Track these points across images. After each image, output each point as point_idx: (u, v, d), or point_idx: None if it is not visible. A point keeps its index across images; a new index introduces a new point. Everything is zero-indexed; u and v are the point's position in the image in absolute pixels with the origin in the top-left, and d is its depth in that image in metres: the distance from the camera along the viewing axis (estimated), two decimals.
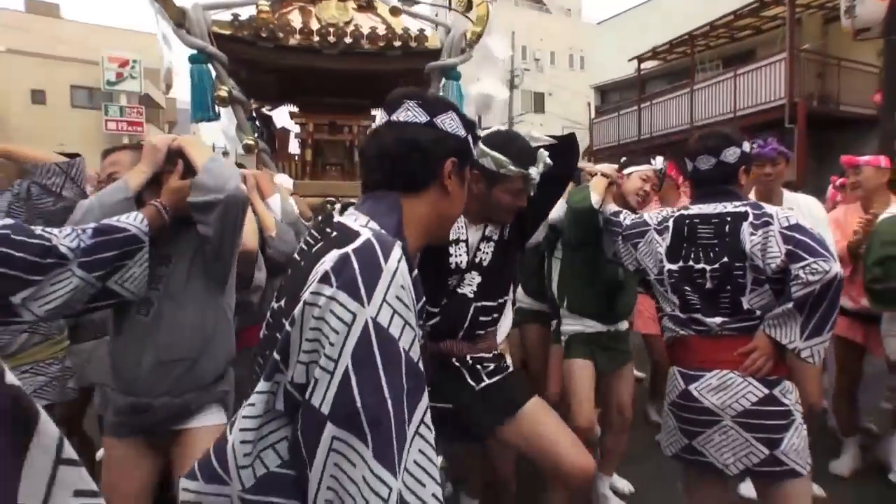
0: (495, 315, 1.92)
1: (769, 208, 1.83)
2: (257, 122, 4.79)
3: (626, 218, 2.22)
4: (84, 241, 1.26)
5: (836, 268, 1.67)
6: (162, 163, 1.60)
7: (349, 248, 0.85)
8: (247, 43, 3.90)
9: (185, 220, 1.56)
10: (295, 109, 4.72)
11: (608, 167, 2.57)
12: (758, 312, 1.79)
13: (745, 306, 1.79)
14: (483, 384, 1.84)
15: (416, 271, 0.98)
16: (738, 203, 1.87)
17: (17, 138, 25.34)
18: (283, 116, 4.83)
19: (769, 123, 11.68)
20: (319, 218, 1.12)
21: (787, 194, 3.17)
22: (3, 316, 1.12)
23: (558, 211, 2.57)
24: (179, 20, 3.69)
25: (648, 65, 16.23)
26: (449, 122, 1.06)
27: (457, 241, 1.84)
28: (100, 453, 2.52)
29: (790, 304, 1.70)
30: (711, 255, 1.85)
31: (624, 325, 2.79)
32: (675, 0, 16.06)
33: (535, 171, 1.75)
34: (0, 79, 23.25)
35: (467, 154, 1.11)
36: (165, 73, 4.13)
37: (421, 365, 0.86)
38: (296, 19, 4.13)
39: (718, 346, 1.82)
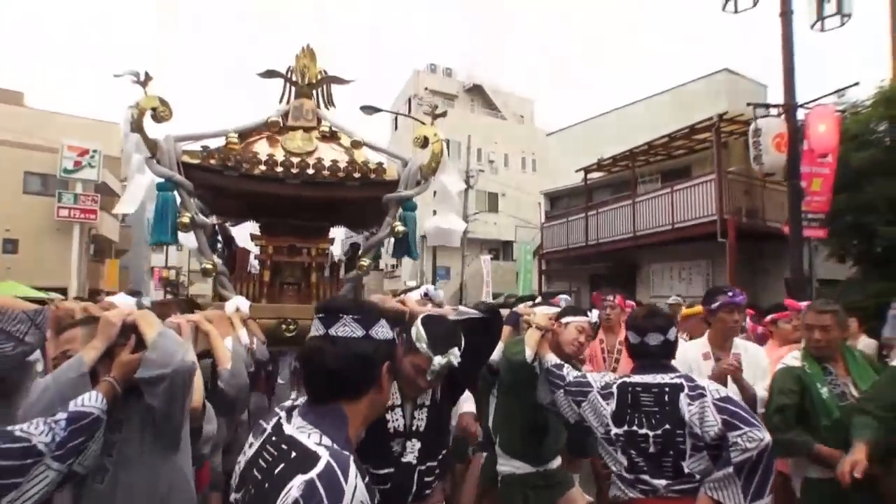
0: (438, 472, 2.05)
1: (700, 381, 2.09)
2: (219, 238, 4.96)
3: (569, 374, 2.42)
4: (58, 433, 1.35)
5: (768, 436, 1.90)
6: (115, 336, 1.70)
7: (313, 474, 0.99)
8: (214, 171, 4.11)
9: (134, 387, 1.66)
10: (257, 227, 4.91)
11: (544, 318, 2.79)
12: (697, 476, 1.98)
13: (686, 470, 1.98)
14: None
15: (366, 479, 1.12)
16: (673, 375, 2.12)
17: None
18: (244, 236, 4.99)
19: (704, 237, 12.56)
20: (270, 429, 1.23)
21: (738, 340, 3.47)
22: None
23: (496, 354, 2.77)
24: (152, 150, 3.91)
25: (595, 175, 17.31)
26: (381, 331, 1.25)
27: (392, 407, 2.00)
28: None
29: (730, 469, 1.89)
30: (653, 421, 2.05)
31: (555, 463, 2.94)
32: (621, 117, 17.50)
33: (437, 361, 1.91)
34: None
35: (395, 351, 1.30)
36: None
37: None
38: (262, 149, 4.40)
39: None
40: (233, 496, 1.16)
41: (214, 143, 4.47)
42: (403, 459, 1.96)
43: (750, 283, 12.41)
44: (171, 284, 36.21)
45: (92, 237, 28.67)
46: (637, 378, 2.18)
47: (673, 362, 3.20)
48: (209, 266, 4.12)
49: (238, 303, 3.94)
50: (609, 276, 16.80)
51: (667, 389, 2.08)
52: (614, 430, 2.13)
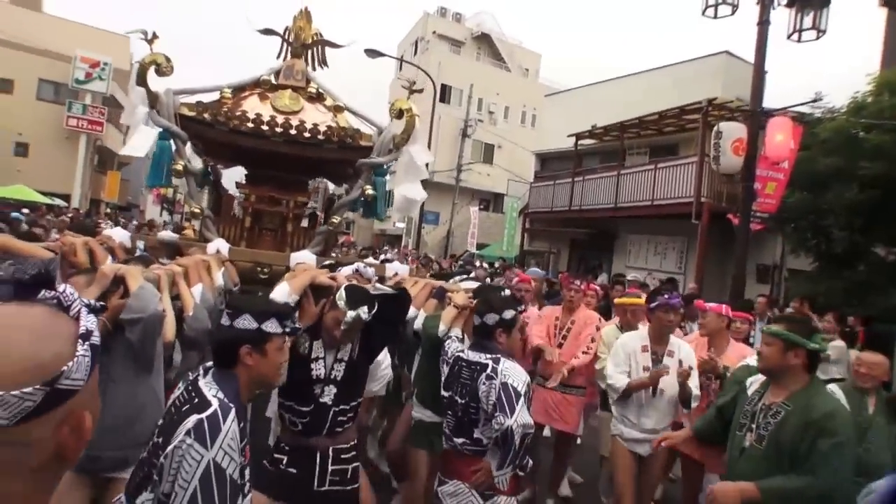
0: (350, 415, 2.65)
1: (502, 365, 2.53)
2: (211, 177, 5.45)
3: (449, 348, 2.90)
4: None
5: (509, 423, 2.37)
6: (108, 285, 2.27)
7: (203, 415, 1.58)
8: (207, 124, 4.57)
9: (119, 325, 2.24)
10: (243, 176, 5.40)
11: (464, 297, 3.32)
12: (485, 441, 2.54)
13: (475, 435, 2.55)
14: (321, 489, 2.53)
15: (245, 423, 1.69)
16: (487, 356, 2.58)
17: None
18: (231, 183, 5.48)
19: (680, 216, 13.04)
20: (191, 378, 1.79)
21: (673, 339, 3.78)
22: None
23: (419, 322, 3.37)
24: (153, 102, 4.37)
25: (586, 142, 17.63)
26: (243, 322, 1.79)
27: (315, 359, 2.57)
28: None
29: (491, 443, 2.51)
30: (463, 391, 2.59)
31: None
32: (618, 87, 17.67)
33: (350, 314, 2.47)
34: None
35: (257, 339, 1.80)
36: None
37: (241, 480, 1.58)
38: (253, 105, 4.85)
39: (460, 462, 2.58)
40: (155, 438, 1.74)
41: (210, 97, 4.92)
42: (321, 400, 2.54)
43: (721, 264, 12.95)
44: (168, 202, 36.51)
45: (97, 148, 28.89)
46: (466, 353, 2.64)
47: (616, 347, 3.74)
48: (196, 210, 4.65)
49: (219, 245, 4.48)
50: (588, 242, 17.41)
51: (477, 367, 2.52)
52: (444, 393, 2.71)
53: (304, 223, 5.46)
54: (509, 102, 31.75)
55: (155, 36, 4.30)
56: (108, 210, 29.33)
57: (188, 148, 5.12)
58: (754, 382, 2.73)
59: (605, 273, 15.85)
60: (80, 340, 0.80)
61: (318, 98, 5.20)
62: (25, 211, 13.86)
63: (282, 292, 2.56)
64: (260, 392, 1.96)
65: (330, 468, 2.55)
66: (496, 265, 18.76)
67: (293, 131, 4.63)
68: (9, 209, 13.38)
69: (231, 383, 1.73)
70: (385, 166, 4.86)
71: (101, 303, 1.90)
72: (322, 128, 4.71)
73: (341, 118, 5.11)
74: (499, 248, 22.55)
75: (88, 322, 0.83)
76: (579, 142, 17.29)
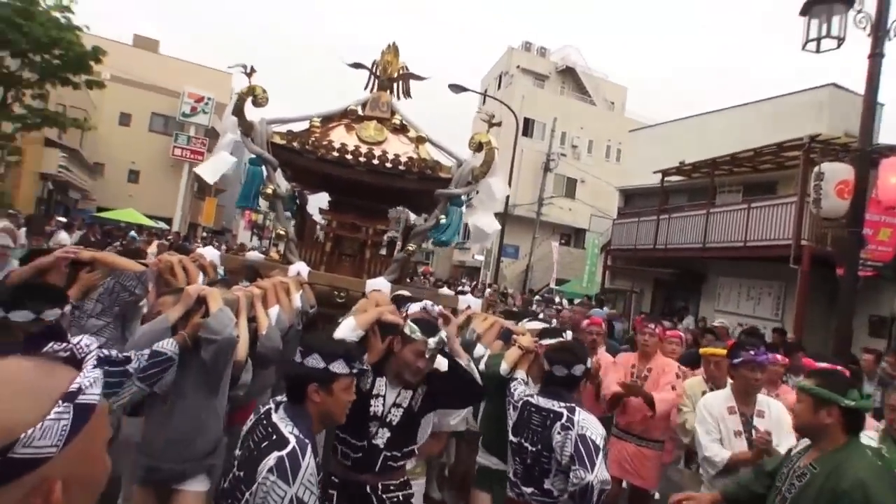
0: (402, 462, 2.60)
1: (579, 415, 2.42)
2: (297, 201, 5.70)
3: (516, 390, 2.80)
4: (142, 362, 2.08)
5: (590, 478, 2.26)
6: (192, 304, 2.39)
7: (284, 453, 1.63)
8: (296, 152, 4.80)
9: (196, 342, 2.34)
10: (326, 202, 5.62)
11: (529, 340, 3.19)
12: (555, 493, 2.43)
13: (546, 486, 2.44)
14: None
15: (318, 457, 1.73)
16: (562, 404, 2.48)
17: (104, 152, 28.52)
18: (315, 208, 5.70)
19: (776, 259, 12.22)
20: (263, 413, 1.86)
21: (760, 397, 3.42)
22: None
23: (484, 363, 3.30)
24: (248, 131, 4.65)
25: (673, 178, 17.04)
26: (311, 361, 1.84)
27: (377, 395, 2.54)
28: None
29: (566, 496, 2.37)
30: (535, 438, 2.48)
31: None
32: (709, 121, 17.04)
33: (431, 342, 2.46)
34: (100, 102, 26.87)
35: (325, 378, 1.85)
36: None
37: None
38: (339, 135, 5.05)
39: None
40: (237, 451, 1.81)
41: (300, 126, 5.18)
42: (373, 441, 2.50)
43: (826, 315, 11.92)
44: (258, 227, 38.64)
45: (197, 176, 31.33)
46: (536, 399, 2.57)
47: (701, 411, 3.31)
48: (282, 232, 4.85)
49: (300, 268, 4.64)
50: (674, 283, 16.65)
51: (551, 415, 2.45)
52: (511, 438, 2.61)
53: (383, 250, 5.57)
54: (593, 136, 31.41)
55: (253, 70, 4.59)
56: (205, 234, 31.44)
57: (278, 174, 5.43)
58: (803, 442, 2.45)
59: (691, 316, 15.07)
60: (61, 401, 0.71)
61: (401, 129, 5.34)
62: (133, 233, 15.10)
63: (348, 327, 2.59)
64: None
65: (383, 496, 2.52)
66: (575, 302, 18.36)
67: (375, 161, 4.77)
68: (121, 230, 14.67)
69: (304, 419, 1.79)
70: (462, 197, 4.89)
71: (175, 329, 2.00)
72: (403, 158, 4.82)
73: (423, 150, 5.22)
74: (579, 285, 22.05)
75: (87, 378, 0.75)
76: (666, 178, 16.74)
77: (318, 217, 5.54)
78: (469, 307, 4.95)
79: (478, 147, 4.94)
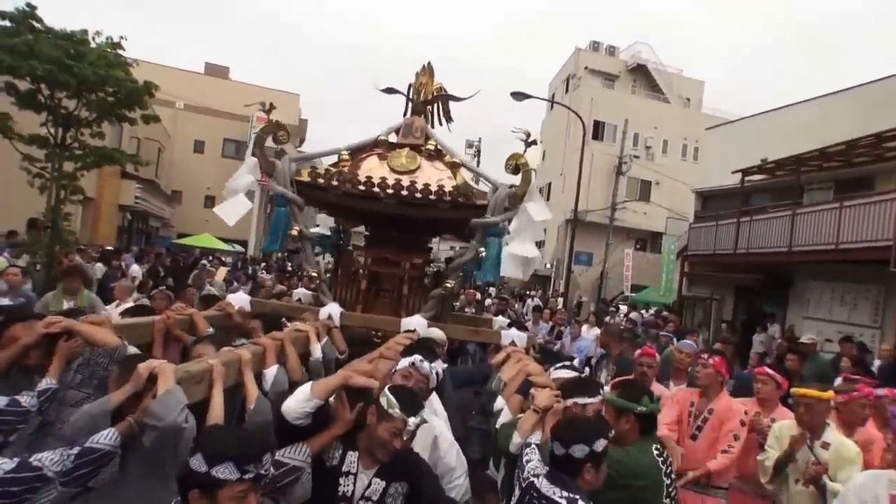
0: None
1: None
2: (342, 235, 5.53)
3: (529, 462, 2.36)
4: (67, 465, 1.81)
5: None
6: (142, 385, 2.11)
7: None
8: (321, 189, 4.61)
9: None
10: (362, 237, 5.41)
11: (548, 396, 2.70)
12: None
13: None
14: None
15: None
16: (566, 496, 2.04)
17: (180, 180, 30.34)
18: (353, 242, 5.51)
19: (872, 262, 11.03)
20: None
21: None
22: None
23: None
24: (270, 171, 4.50)
25: (755, 177, 15.83)
26: (194, 462, 1.54)
27: (347, 473, 2.21)
28: None
29: None
30: None
31: None
32: (793, 114, 15.72)
33: (412, 422, 2.11)
34: (174, 130, 28.52)
35: (206, 484, 1.55)
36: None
37: None
38: (371, 166, 4.82)
39: None
40: None
41: (329, 161, 4.99)
42: None
43: None
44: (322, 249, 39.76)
45: (270, 198, 32.59)
46: (540, 482, 2.14)
47: (847, 496, 2.70)
48: (314, 275, 4.67)
49: (331, 311, 4.42)
50: (758, 289, 15.39)
51: None
52: None
53: (426, 283, 5.28)
54: (668, 136, 30.00)
55: (272, 107, 4.45)
56: (279, 254, 32.47)
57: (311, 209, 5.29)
58: None
59: (777, 325, 13.86)
60: None
61: (436, 156, 5.05)
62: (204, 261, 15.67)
63: (301, 397, 2.23)
64: None
65: None
66: (651, 311, 17.37)
67: (405, 192, 4.50)
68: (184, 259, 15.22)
69: None
70: (500, 225, 4.52)
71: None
72: (434, 187, 4.53)
73: (459, 176, 4.91)
74: (655, 293, 20.95)
75: None
76: (746, 178, 15.55)
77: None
78: (513, 342, 4.57)
79: (514, 169, 4.57)
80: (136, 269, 11.33)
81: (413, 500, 2.27)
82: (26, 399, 2.31)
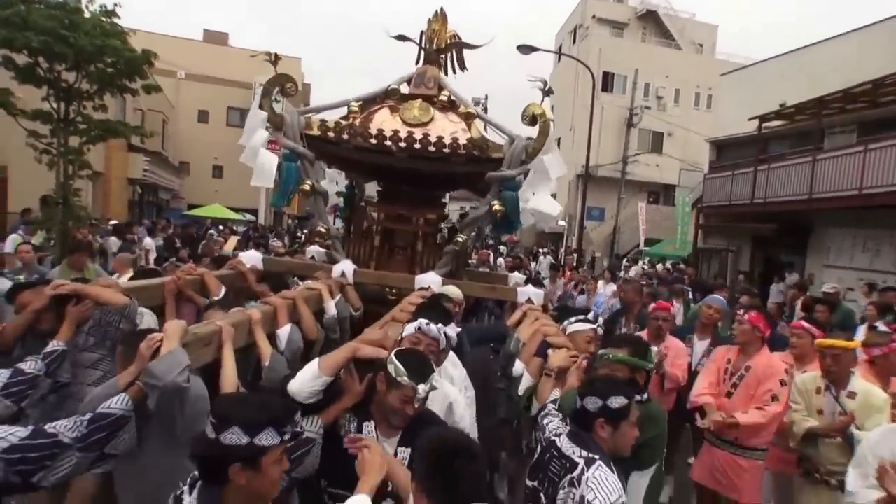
0: None
1: (594, 472, 1.89)
2: (355, 190, 5.40)
3: (549, 423, 2.30)
4: (81, 430, 1.77)
5: None
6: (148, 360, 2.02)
7: None
8: (331, 143, 4.45)
9: None
10: (374, 193, 5.27)
11: (563, 356, 2.66)
12: None
13: None
14: None
15: None
16: (584, 454, 1.96)
17: (187, 151, 30.12)
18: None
19: None
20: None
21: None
22: (25, 490, 1.65)
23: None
24: (278, 125, 4.34)
25: (773, 123, 15.38)
26: (231, 437, 1.43)
27: None
28: None
29: None
30: (549, 490, 1.99)
31: None
32: (813, 56, 15.17)
33: (422, 389, 2.01)
34: (177, 101, 28.01)
35: (250, 455, 1.46)
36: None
37: None
38: (382, 118, 4.64)
39: None
40: None
41: (339, 113, 4.81)
42: None
43: None
44: (341, 210, 39.54)
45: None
46: (561, 442, 2.08)
47: (863, 452, 2.59)
48: (322, 230, 4.55)
49: (344, 268, 4.33)
50: (776, 239, 15.08)
51: (567, 465, 1.98)
52: (527, 482, 2.12)
53: (441, 239, 5.16)
54: (680, 85, 29.17)
55: (278, 57, 4.25)
56: (290, 221, 32.38)
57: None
58: None
59: (796, 274, 13.66)
60: None
61: (450, 107, 4.86)
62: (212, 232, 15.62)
63: (309, 374, 2.13)
64: None
65: None
66: (666, 265, 17.18)
67: (417, 145, 4.34)
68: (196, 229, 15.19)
69: None
70: (517, 179, 4.35)
71: None
72: (448, 140, 4.36)
73: (474, 127, 4.73)
74: (670, 246, 20.70)
75: None
76: (764, 124, 15.10)
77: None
78: (529, 300, 4.46)
79: (531, 120, 4.38)
80: (148, 242, 11.32)
81: None
82: (30, 364, 2.29)
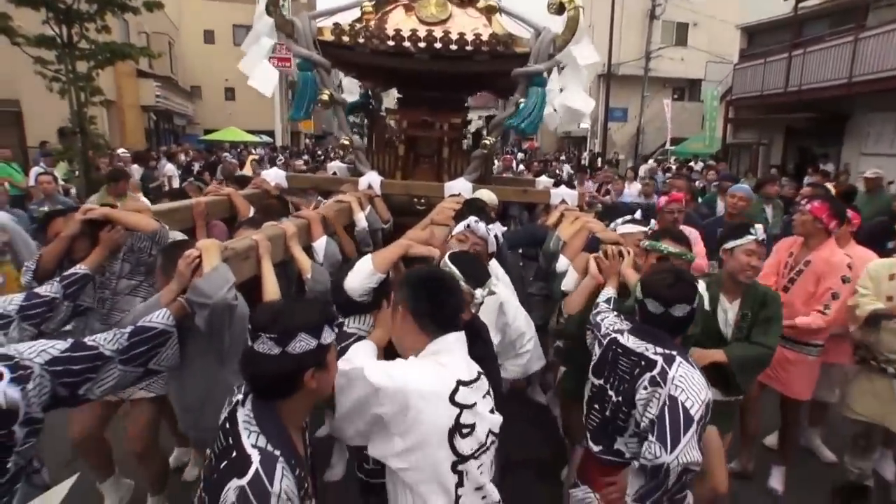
0: None
1: (677, 369, 1.83)
2: (371, 102, 5.20)
3: (605, 319, 2.21)
4: (122, 343, 1.74)
5: (668, 460, 1.72)
6: (188, 281, 1.97)
7: (244, 482, 1.24)
8: (347, 48, 4.21)
9: None
10: (395, 100, 5.05)
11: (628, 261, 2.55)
12: (627, 455, 1.93)
13: (615, 445, 1.95)
14: None
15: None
16: (660, 351, 1.89)
17: (197, 74, 29.35)
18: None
19: None
20: (231, 406, 1.45)
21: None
22: (73, 402, 1.64)
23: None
24: (289, 31, 4.10)
25: (810, 2, 14.30)
26: (300, 345, 1.36)
27: None
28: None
29: (637, 466, 1.83)
30: (620, 388, 1.94)
31: None
32: None
33: (479, 294, 1.95)
34: (180, 22, 26.97)
35: (322, 354, 1.40)
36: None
37: None
38: (397, 19, 4.37)
39: (593, 466, 2.03)
40: (208, 451, 1.46)
41: (351, 16, 4.52)
42: None
43: None
44: (358, 126, 38.89)
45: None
46: (625, 339, 2.00)
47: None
48: (346, 142, 4.40)
49: (371, 179, 4.23)
50: (810, 129, 14.46)
51: (642, 363, 1.90)
52: (593, 380, 2.07)
53: (467, 145, 4.99)
54: None
55: None
56: (308, 141, 31.91)
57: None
58: None
59: (831, 164, 13.17)
60: None
61: (468, 1, 4.52)
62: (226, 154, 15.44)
63: (364, 272, 2.06)
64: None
65: None
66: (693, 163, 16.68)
67: (438, 45, 4.09)
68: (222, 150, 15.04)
69: (274, 422, 1.39)
70: (544, 74, 4.10)
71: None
72: (469, 37, 4.09)
73: (495, 22, 4.42)
74: (698, 143, 19.98)
75: None
76: (800, 4, 14.05)
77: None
78: (564, 201, 4.34)
79: (558, 8, 4.07)
80: (170, 168, 11.28)
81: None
82: (46, 288, 2.26)
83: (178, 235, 2.94)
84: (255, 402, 1.41)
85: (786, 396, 3.48)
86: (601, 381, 2.03)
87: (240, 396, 1.44)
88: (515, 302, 2.81)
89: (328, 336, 1.42)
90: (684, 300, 1.92)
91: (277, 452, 1.32)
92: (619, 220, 3.20)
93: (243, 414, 1.38)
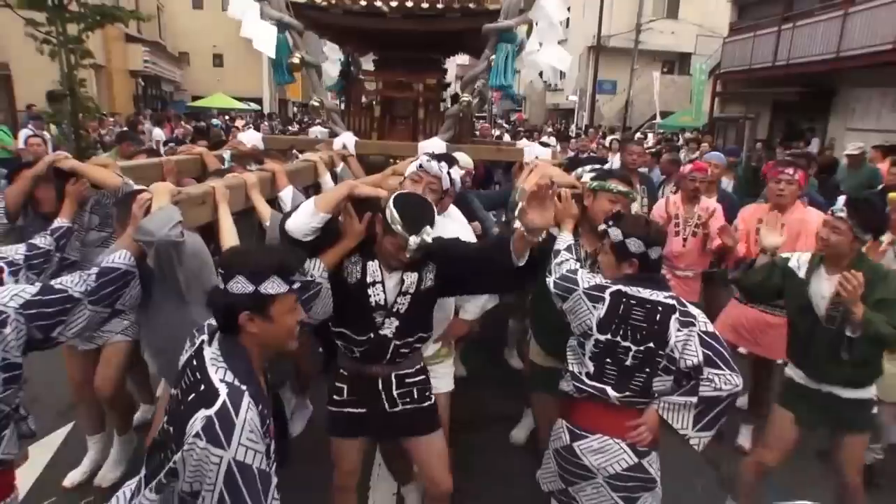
0: (416, 346, 2.27)
1: (691, 308, 2.04)
2: (351, 67, 5.18)
3: (565, 266, 2.23)
4: (90, 284, 1.81)
5: (741, 384, 1.98)
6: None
7: (212, 412, 1.33)
8: (319, 9, 4.22)
9: None
10: (373, 58, 5.07)
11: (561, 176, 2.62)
12: (655, 395, 2.05)
13: (650, 388, 2.04)
14: (395, 409, 2.25)
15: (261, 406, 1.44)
16: (667, 295, 2.05)
17: (185, 40, 28.98)
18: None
19: None
20: (196, 347, 1.54)
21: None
22: (46, 345, 1.71)
23: None
24: None
25: None
26: (237, 286, 1.45)
27: (373, 283, 2.15)
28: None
29: (694, 399, 1.98)
30: (639, 336, 2.01)
31: None
32: None
33: (412, 241, 1.99)
34: None
35: (257, 303, 1.47)
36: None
37: (268, 464, 1.39)
38: None
39: (607, 414, 2.07)
40: (165, 424, 1.53)
41: None
42: (381, 332, 2.14)
43: None
44: (338, 86, 38.60)
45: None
46: (632, 290, 2.05)
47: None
48: (316, 103, 4.42)
49: (345, 140, 4.26)
50: (797, 103, 14.47)
51: (660, 308, 2.01)
52: (596, 336, 2.06)
53: (443, 106, 5.00)
54: None
55: None
56: (295, 109, 31.56)
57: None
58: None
59: (817, 138, 13.26)
60: None
61: None
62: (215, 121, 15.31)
63: (305, 213, 2.09)
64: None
65: (395, 392, 2.25)
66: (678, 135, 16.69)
67: (409, 2, 4.10)
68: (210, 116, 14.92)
69: (240, 356, 1.48)
70: (514, 31, 4.11)
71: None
72: None
73: None
74: (686, 117, 19.96)
75: None
76: None
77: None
78: (537, 158, 4.38)
79: None
80: (158, 133, 11.24)
81: (445, 268, 2.22)
82: (41, 240, 2.34)
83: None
84: (221, 341, 1.50)
85: (759, 359, 3.61)
86: (608, 336, 2.05)
87: (205, 336, 1.53)
88: (471, 237, 2.81)
89: (273, 287, 1.49)
90: (658, 243, 2.10)
91: (244, 387, 1.41)
92: (587, 167, 3.08)
93: (210, 352, 1.48)
